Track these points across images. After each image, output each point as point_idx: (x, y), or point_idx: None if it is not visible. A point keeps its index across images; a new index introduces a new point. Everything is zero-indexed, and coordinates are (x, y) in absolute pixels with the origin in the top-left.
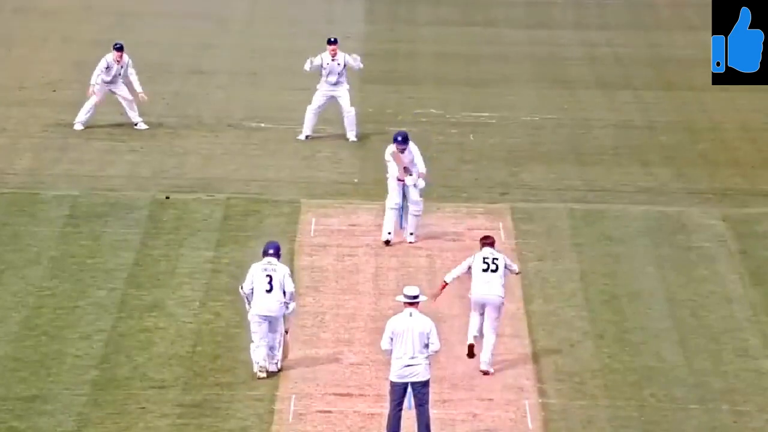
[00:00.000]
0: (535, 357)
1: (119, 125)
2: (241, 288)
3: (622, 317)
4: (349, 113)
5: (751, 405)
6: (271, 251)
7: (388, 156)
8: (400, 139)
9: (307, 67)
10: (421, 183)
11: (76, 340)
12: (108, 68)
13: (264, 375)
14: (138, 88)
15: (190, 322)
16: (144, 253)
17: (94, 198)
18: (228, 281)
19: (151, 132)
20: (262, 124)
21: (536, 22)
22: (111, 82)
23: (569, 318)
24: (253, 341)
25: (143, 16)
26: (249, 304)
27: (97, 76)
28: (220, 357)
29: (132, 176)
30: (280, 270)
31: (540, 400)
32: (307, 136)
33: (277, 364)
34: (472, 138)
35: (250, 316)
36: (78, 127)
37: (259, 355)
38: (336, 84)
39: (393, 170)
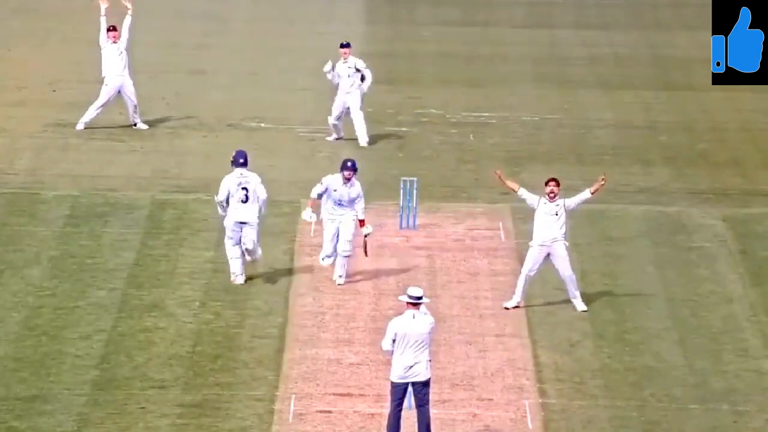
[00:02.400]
0: (535, 357)
1: (119, 125)
2: (216, 196)
3: (622, 317)
4: (357, 117)
5: (751, 405)
6: (241, 160)
7: (324, 184)
8: (349, 165)
9: (326, 68)
10: (369, 228)
11: (76, 340)
12: (104, 45)
13: (242, 281)
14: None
15: (190, 322)
16: (144, 253)
17: (94, 198)
18: (228, 281)
19: (151, 132)
20: (262, 124)
21: (536, 22)
22: (119, 72)
23: (569, 318)
24: (227, 249)
25: (143, 16)
26: (224, 211)
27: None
28: (220, 357)
29: (132, 176)
30: (252, 180)
31: (540, 400)
32: (337, 138)
33: (253, 253)
34: (472, 138)
35: (225, 222)
36: (79, 126)
37: (236, 266)
38: (349, 92)
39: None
